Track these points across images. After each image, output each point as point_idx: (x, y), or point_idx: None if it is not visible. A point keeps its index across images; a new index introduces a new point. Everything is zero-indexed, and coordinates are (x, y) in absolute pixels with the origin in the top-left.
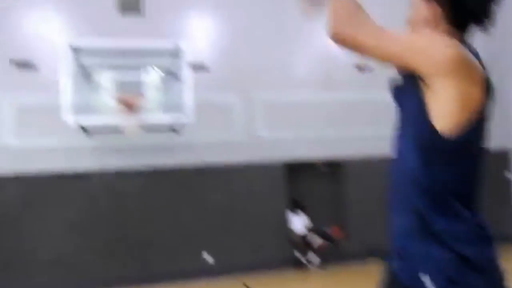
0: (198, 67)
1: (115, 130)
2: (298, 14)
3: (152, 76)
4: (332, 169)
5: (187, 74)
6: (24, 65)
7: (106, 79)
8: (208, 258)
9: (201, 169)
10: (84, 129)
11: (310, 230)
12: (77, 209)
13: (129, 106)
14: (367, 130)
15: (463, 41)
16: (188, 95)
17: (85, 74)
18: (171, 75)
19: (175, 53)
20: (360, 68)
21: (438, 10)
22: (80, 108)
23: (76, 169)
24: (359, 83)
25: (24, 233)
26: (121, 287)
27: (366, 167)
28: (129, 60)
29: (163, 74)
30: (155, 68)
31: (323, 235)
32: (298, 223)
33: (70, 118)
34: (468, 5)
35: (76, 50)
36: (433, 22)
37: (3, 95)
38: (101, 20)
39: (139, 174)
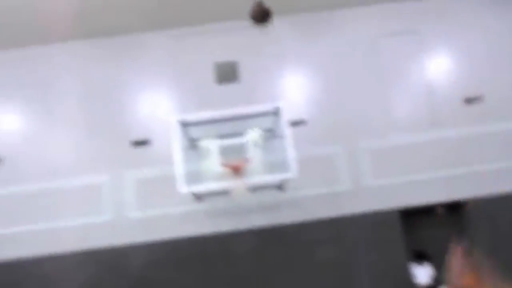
0: (298, 123)
1: (223, 194)
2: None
3: (254, 138)
4: (453, 212)
5: (287, 131)
6: (140, 143)
7: (212, 147)
8: None
9: (310, 224)
10: (196, 195)
11: (437, 280)
12: (194, 271)
13: (236, 170)
14: (487, 165)
15: None
16: (290, 151)
17: (193, 145)
18: (272, 134)
19: (274, 113)
20: (469, 100)
21: None
22: (191, 177)
23: (191, 233)
24: (469, 116)
25: None
26: None
27: (492, 205)
28: (231, 126)
29: (264, 134)
30: (256, 129)
31: None
32: (423, 274)
33: (183, 187)
34: None
35: (183, 124)
36: None
37: (124, 172)
38: (203, 93)
39: (249, 234)
